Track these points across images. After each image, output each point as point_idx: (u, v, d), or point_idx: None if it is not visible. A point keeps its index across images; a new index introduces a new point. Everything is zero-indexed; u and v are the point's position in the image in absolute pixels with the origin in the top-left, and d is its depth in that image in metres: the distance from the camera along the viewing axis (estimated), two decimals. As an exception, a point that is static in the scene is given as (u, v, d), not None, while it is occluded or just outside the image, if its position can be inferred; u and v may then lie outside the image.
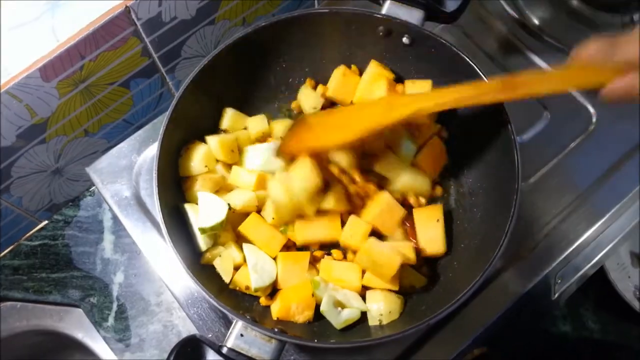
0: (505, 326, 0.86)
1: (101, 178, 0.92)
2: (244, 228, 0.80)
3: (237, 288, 0.79)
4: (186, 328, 0.92)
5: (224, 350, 0.65)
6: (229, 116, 0.87)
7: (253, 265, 0.77)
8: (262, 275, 0.77)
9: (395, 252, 0.75)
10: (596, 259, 0.91)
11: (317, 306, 0.77)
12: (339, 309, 0.76)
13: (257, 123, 0.88)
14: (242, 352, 0.65)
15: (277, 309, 0.76)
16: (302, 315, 0.76)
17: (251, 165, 0.84)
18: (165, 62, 0.93)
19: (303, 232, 0.80)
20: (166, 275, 0.86)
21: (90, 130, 0.93)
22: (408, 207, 0.83)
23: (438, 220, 0.80)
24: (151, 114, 1.03)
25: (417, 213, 0.82)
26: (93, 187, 1.02)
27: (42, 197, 0.96)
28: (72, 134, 0.90)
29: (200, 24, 0.91)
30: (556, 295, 0.89)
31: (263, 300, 0.79)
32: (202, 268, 0.77)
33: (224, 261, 0.78)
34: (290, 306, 0.76)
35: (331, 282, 0.79)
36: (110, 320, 0.94)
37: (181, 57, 0.95)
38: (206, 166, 0.82)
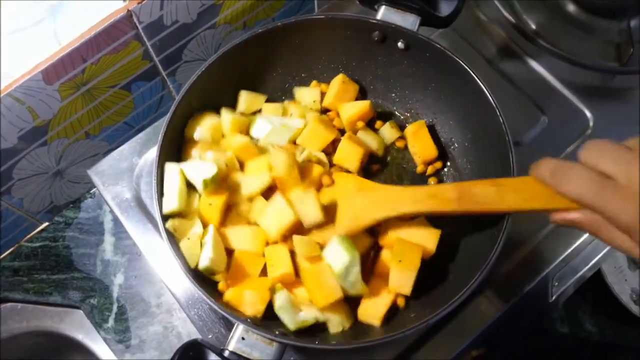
0: (503, 328, 0.86)
1: (102, 180, 0.92)
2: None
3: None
4: (186, 329, 0.93)
5: (226, 353, 0.66)
6: (244, 99, 0.87)
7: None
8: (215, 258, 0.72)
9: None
10: (593, 261, 0.91)
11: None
12: (296, 309, 0.73)
13: (272, 109, 0.87)
14: (243, 355, 0.66)
15: (230, 294, 0.72)
16: (253, 308, 0.71)
17: (257, 133, 0.84)
18: (166, 66, 0.94)
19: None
20: (167, 276, 0.87)
21: (91, 133, 0.94)
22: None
23: None
24: (152, 117, 1.04)
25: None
26: (94, 189, 1.03)
27: (43, 199, 0.97)
28: (74, 136, 0.91)
29: (201, 28, 0.92)
30: (553, 298, 0.89)
31: (221, 286, 0.74)
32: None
33: (191, 245, 0.73)
34: (243, 293, 0.72)
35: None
36: (111, 322, 0.94)
37: (182, 61, 0.96)
38: (211, 136, 0.82)
